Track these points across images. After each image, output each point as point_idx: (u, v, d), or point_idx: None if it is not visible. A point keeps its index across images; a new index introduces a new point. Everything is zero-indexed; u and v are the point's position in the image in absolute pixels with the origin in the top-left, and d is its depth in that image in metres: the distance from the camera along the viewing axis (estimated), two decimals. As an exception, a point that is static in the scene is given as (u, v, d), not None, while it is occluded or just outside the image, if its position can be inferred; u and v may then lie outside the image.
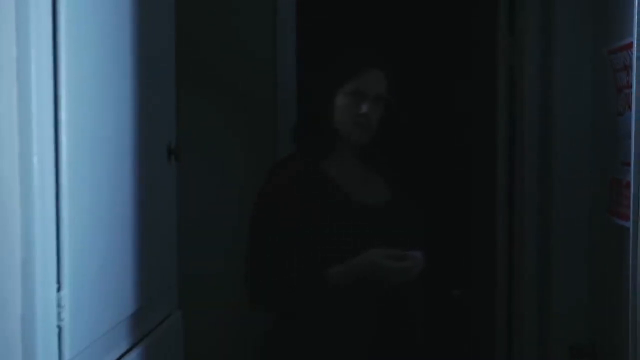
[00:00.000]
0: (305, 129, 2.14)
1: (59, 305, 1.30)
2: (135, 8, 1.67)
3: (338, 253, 1.94)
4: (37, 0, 1.23)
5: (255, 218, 2.06)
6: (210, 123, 2.71)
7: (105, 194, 1.52)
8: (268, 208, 2.02)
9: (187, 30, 2.48)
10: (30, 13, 1.22)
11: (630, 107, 1.71)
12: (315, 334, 1.97)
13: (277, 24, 2.70)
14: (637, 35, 1.59)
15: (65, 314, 1.31)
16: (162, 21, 1.94)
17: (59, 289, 1.31)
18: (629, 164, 1.73)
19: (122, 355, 1.60)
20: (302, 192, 1.99)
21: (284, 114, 2.69)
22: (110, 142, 1.55)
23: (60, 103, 1.31)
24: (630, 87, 1.66)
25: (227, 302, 2.69)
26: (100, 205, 1.49)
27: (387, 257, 1.89)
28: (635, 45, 1.61)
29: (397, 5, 4.14)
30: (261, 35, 2.71)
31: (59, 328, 1.31)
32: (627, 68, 2.11)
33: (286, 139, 2.70)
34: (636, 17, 1.60)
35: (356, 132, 2.04)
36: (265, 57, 2.71)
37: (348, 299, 1.94)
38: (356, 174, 2.10)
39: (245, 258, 2.06)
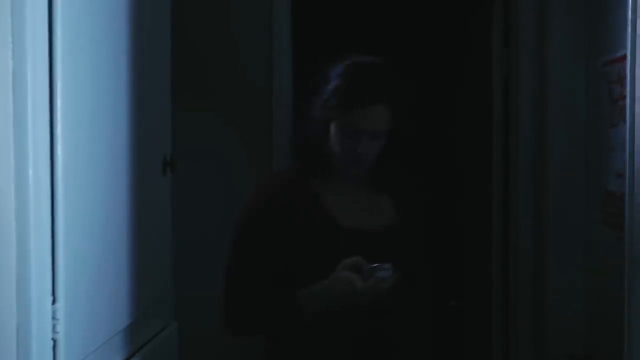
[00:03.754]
0: (299, 146, 1.98)
1: (53, 318, 1.30)
2: (131, 18, 1.68)
3: (320, 278, 1.80)
4: (33, 18, 1.24)
5: (233, 233, 1.91)
6: (207, 135, 2.71)
7: (101, 206, 1.53)
8: (245, 225, 1.89)
9: (184, 41, 2.48)
10: (26, 29, 1.23)
11: (624, 119, 1.72)
12: (311, 349, 1.91)
13: (272, 32, 2.71)
14: (631, 47, 1.60)
15: (60, 327, 1.31)
16: (158, 33, 1.94)
17: (53, 302, 1.31)
18: (623, 176, 1.74)
19: (118, 368, 1.61)
20: (281, 211, 1.85)
21: (280, 123, 2.71)
22: (106, 154, 1.55)
23: (55, 116, 1.31)
24: (625, 98, 1.67)
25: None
26: (96, 217, 1.49)
27: (354, 266, 1.75)
28: (629, 58, 1.61)
29: (394, 16, 4.16)
30: (257, 43, 2.71)
31: (54, 341, 1.31)
32: (622, 80, 2.12)
33: (282, 149, 2.71)
34: (630, 29, 1.61)
35: (350, 167, 1.88)
36: (261, 66, 2.71)
37: (325, 321, 1.82)
38: (353, 196, 1.93)
39: (224, 277, 1.91)
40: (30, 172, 1.23)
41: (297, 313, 1.82)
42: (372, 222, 1.92)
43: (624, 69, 1.86)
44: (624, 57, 1.75)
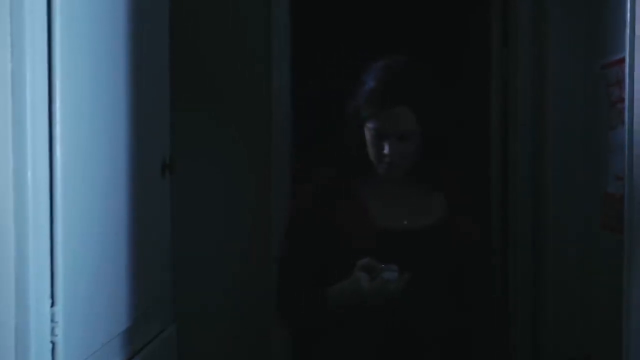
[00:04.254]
0: (340, 147, 1.98)
1: (52, 321, 1.30)
2: (130, 19, 1.68)
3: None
4: (32, 22, 1.24)
5: (284, 230, 1.99)
6: (206, 135, 2.71)
7: (100, 208, 1.52)
8: (290, 224, 1.95)
9: (183, 41, 2.49)
10: (25, 31, 1.23)
11: (623, 121, 1.72)
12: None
13: (272, 32, 2.71)
14: (630, 50, 1.60)
15: (59, 330, 1.31)
16: (157, 33, 1.94)
17: (52, 304, 1.31)
18: (622, 178, 1.74)
19: (116, 370, 1.61)
20: (321, 210, 1.88)
21: (280, 123, 2.71)
22: (105, 156, 1.55)
23: (54, 117, 1.31)
24: (624, 101, 1.67)
25: (224, 314, 2.69)
26: (95, 220, 1.49)
27: (366, 267, 1.81)
28: (628, 61, 1.61)
29: (394, 15, 4.15)
30: (257, 43, 2.72)
31: (53, 344, 1.31)
32: (620, 82, 2.12)
33: (281, 148, 2.72)
34: (628, 32, 1.61)
35: (381, 169, 1.88)
36: (261, 66, 2.71)
37: (352, 320, 1.85)
38: (395, 197, 1.92)
39: (277, 271, 1.98)
40: (29, 173, 1.23)
41: (327, 309, 1.86)
42: (413, 222, 1.91)
43: (623, 72, 1.86)
44: (623, 60, 1.75)
